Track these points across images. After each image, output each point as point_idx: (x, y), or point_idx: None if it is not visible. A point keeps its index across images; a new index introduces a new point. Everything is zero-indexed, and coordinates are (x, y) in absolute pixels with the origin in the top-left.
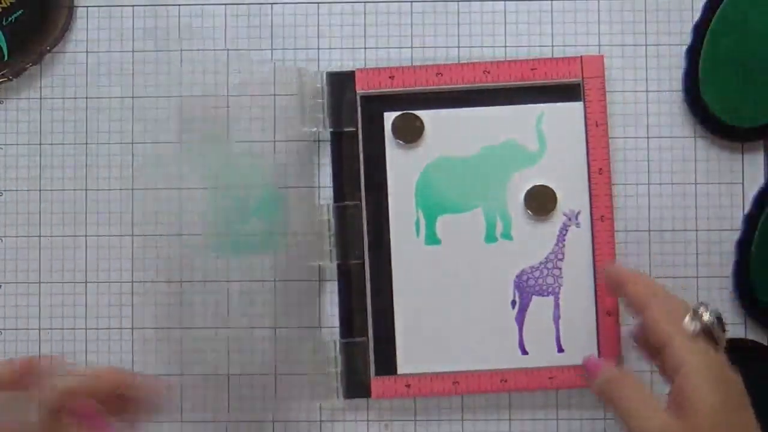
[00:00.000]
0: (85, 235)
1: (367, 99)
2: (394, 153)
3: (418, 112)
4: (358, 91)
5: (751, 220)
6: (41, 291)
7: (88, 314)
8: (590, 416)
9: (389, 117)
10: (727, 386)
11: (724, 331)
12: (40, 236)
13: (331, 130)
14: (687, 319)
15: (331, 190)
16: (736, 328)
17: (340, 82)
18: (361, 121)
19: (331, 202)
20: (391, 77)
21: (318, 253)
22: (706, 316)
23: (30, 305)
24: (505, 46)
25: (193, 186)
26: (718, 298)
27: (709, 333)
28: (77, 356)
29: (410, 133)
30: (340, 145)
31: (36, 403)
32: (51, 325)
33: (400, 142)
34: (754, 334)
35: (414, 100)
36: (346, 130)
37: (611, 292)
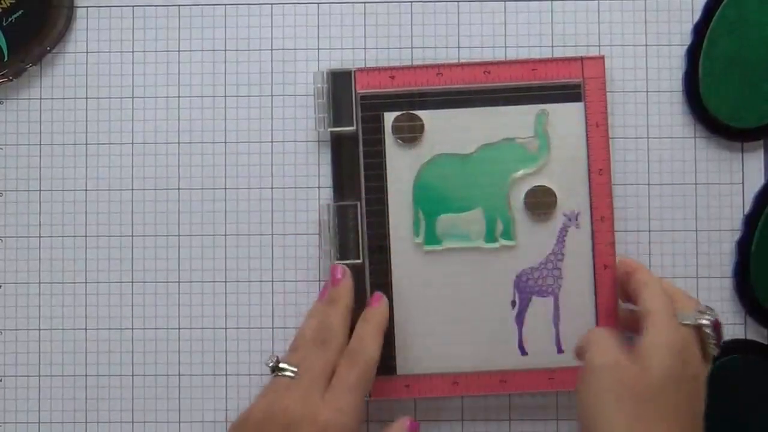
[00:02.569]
0: (85, 236)
1: (367, 99)
2: (394, 153)
3: (418, 112)
4: (358, 91)
5: (751, 221)
6: (41, 291)
7: (88, 314)
8: None
9: (389, 117)
10: (687, 360)
11: (716, 343)
12: (40, 236)
13: (331, 129)
14: (686, 311)
15: (331, 189)
16: (736, 328)
17: (341, 82)
18: (361, 120)
19: (330, 202)
20: (392, 77)
21: (317, 252)
22: (703, 319)
23: (30, 305)
24: (505, 47)
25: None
26: (718, 298)
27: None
28: (77, 356)
29: (410, 132)
30: (340, 144)
31: None
32: (51, 326)
33: (400, 141)
34: (754, 334)
35: (414, 99)
36: (346, 129)
37: (622, 286)
